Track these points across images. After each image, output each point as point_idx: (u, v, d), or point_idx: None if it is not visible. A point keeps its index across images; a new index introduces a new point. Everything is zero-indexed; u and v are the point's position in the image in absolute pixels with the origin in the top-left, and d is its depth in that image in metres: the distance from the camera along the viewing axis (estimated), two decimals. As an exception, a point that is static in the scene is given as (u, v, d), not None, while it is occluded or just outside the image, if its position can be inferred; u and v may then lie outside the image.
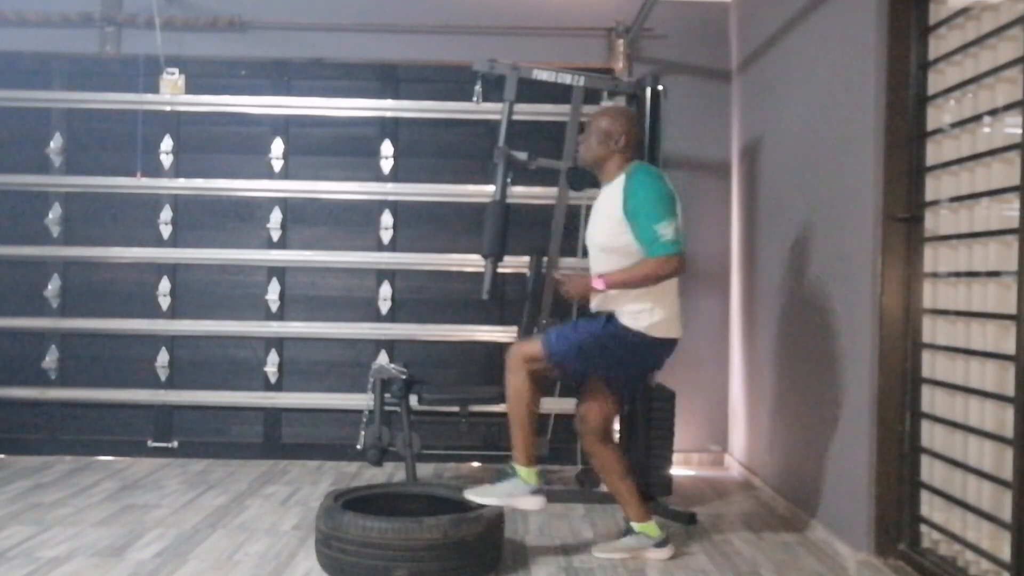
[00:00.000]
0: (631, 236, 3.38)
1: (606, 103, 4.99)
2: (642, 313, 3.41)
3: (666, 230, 3.32)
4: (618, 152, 3.53)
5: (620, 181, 3.49)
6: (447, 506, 3.42)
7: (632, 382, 3.86)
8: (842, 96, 3.63)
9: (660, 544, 3.55)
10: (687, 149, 5.29)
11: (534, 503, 3.51)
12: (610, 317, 3.45)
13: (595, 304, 3.53)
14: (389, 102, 5.30)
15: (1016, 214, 2.61)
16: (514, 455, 3.52)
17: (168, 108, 5.27)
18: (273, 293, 5.27)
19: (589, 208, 3.83)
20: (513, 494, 3.46)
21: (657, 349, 3.52)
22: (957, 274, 3.01)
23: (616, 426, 4.30)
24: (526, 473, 3.48)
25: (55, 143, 5.26)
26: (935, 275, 3.15)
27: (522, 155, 4.28)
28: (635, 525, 3.58)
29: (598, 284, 3.42)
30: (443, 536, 3.08)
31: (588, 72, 4.44)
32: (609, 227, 3.46)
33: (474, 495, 3.44)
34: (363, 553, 3.06)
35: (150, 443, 5.22)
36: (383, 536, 3.05)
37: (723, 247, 5.34)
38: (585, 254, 3.69)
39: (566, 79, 4.37)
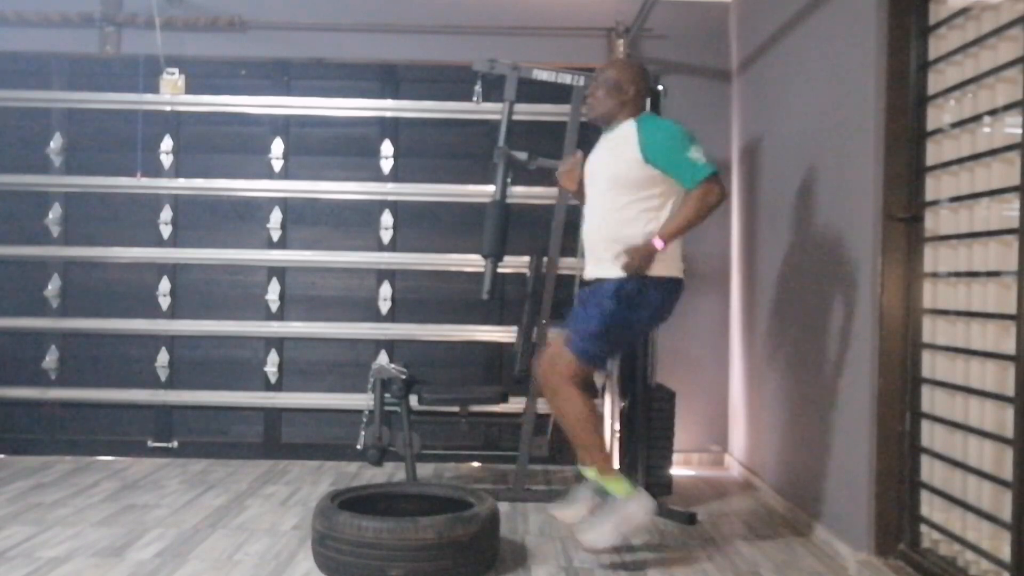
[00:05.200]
0: (650, 171, 3.32)
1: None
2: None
3: (697, 154, 3.30)
4: (628, 103, 3.49)
5: (629, 125, 3.42)
6: (446, 506, 3.41)
7: (645, 331, 3.73)
8: (842, 96, 3.63)
9: (632, 497, 3.30)
10: (687, 149, 5.28)
11: (644, 509, 3.29)
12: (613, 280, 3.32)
13: (589, 271, 3.44)
14: (389, 102, 5.30)
15: (1016, 214, 2.60)
16: (599, 468, 3.34)
17: (168, 108, 5.27)
18: (273, 293, 5.26)
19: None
20: (624, 518, 3.27)
21: (673, 288, 3.42)
22: (957, 274, 3.01)
23: (616, 425, 4.30)
24: (619, 484, 3.31)
25: (55, 143, 5.26)
26: (935, 275, 3.14)
27: (522, 155, 4.28)
28: (598, 477, 3.34)
29: (659, 244, 3.29)
30: (437, 536, 3.07)
31: (588, 72, 4.43)
32: (623, 163, 3.36)
33: (591, 541, 3.28)
34: (358, 553, 3.06)
35: (150, 443, 5.22)
36: (378, 536, 3.04)
37: (723, 247, 5.34)
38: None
39: (566, 79, 4.37)
